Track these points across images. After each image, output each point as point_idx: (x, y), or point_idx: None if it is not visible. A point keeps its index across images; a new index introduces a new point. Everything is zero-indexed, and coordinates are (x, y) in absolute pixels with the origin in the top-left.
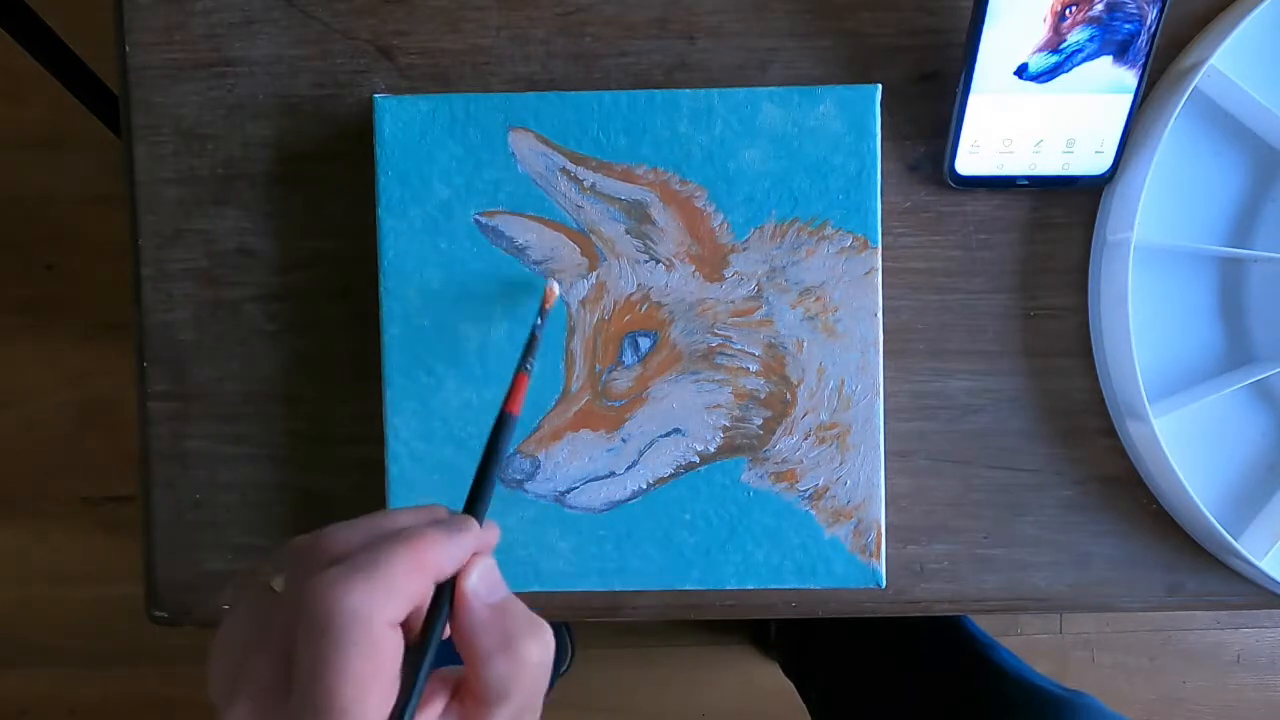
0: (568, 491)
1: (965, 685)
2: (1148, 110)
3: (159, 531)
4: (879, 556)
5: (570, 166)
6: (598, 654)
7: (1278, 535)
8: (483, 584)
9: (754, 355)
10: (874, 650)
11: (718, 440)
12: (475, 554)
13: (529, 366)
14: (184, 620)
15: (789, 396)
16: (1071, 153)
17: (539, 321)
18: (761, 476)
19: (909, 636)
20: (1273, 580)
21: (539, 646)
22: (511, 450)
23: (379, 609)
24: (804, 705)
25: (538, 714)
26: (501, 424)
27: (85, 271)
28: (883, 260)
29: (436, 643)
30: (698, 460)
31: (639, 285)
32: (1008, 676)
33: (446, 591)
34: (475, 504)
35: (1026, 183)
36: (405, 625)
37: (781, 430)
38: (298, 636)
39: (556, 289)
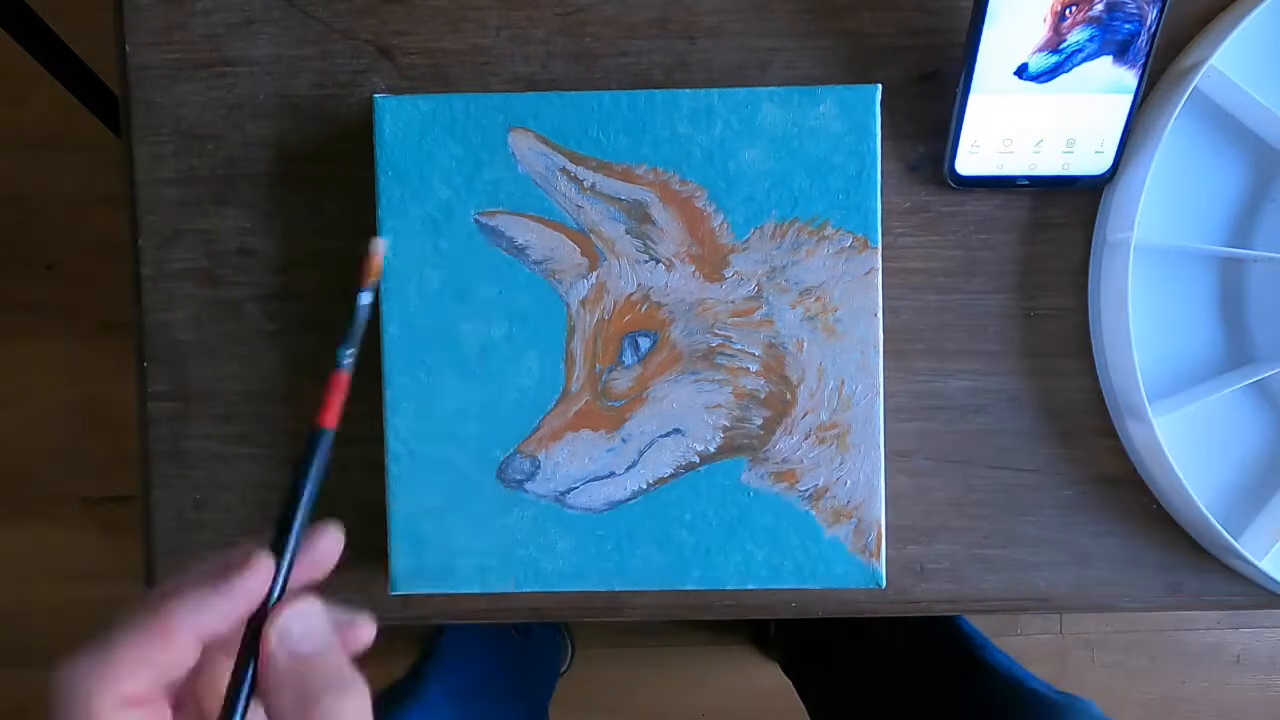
0: (568, 491)
1: (960, 687)
2: (1148, 110)
3: (159, 531)
4: (879, 556)
5: (570, 166)
6: (598, 654)
7: (1278, 535)
8: (294, 628)
9: (754, 355)
10: (871, 650)
11: (718, 440)
12: (287, 603)
13: (346, 363)
14: None
15: (789, 396)
16: (1071, 153)
17: (362, 299)
18: (762, 476)
19: (906, 637)
20: (1273, 580)
21: (345, 705)
22: (512, 450)
23: (101, 687)
24: (803, 705)
25: None
26: (313, 443)
27: (85, 271)
28: (883, 260)
29: (244, 693)
30: (698, 460)
31: (639, 285)
32: (1002, 678)
33: (253, 639)
34: (280, 536)
35: (1026, 183)
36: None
37: (781, 430)
38: None
39: (383, 245)
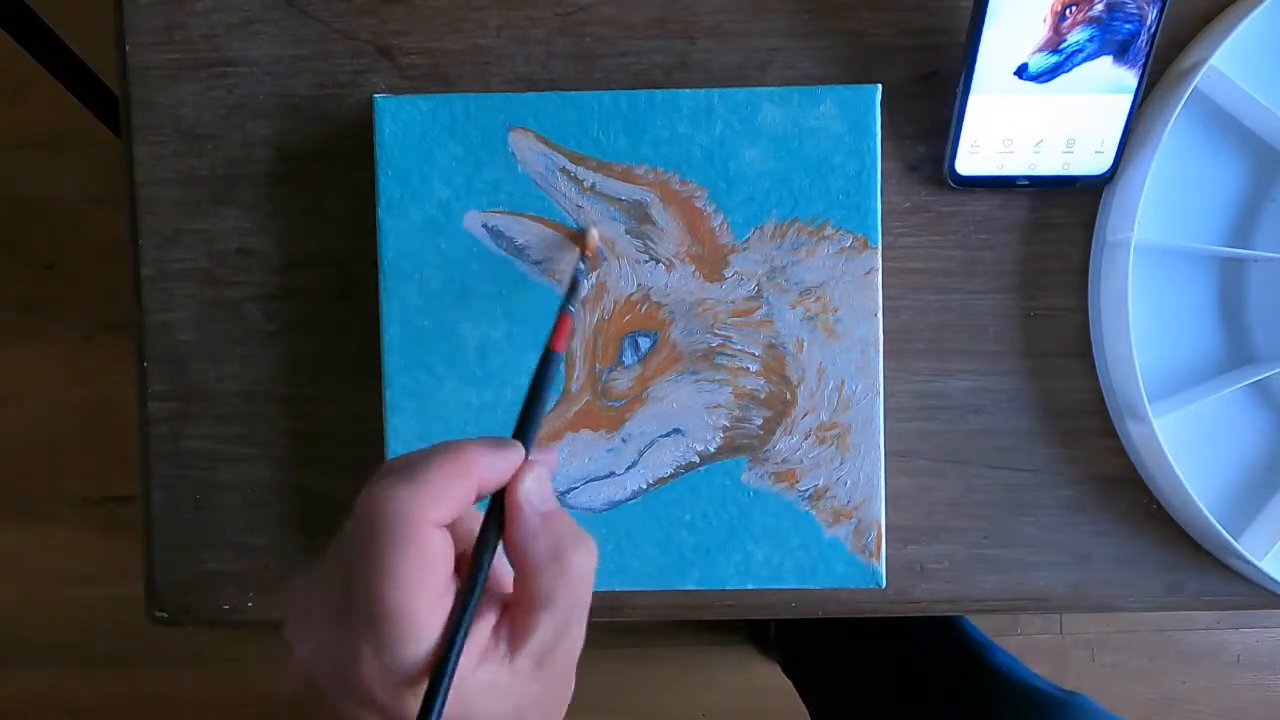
0: (567, 491)
1: (962, 686)
2: (1148, 110)
3: (159, 531)
4: (879, 556)
5: (570, 166)
6: (597, 654)
7: (1278, 535)
8: (535, 492)
9: (754, 355)
10: (872, 650)
11: (718, 440)
12: (530, 464)
13: (572, 309)
14: (184, 620)
15: (789, 396)
16: (1071, 153)
17: (581, 266)
18: (762, 476)
19: (906, 637)
20: (1273, 580)
21: (586, 556)
22: None
23: (421, 509)
24: (804, 705)
25: (583, 628)
26: (546, 362)
27: (85, 271)
28: (883, 260)
29: (493, 549)
30: (698, 460)
31: (639, 285)
32: (1004, 677)
33: (498, 503)
34: (524, 426)
35: (1026, 183)
36: (458, 543)
37: (781, 430)
38: (354, 544)
39: (596, 234)
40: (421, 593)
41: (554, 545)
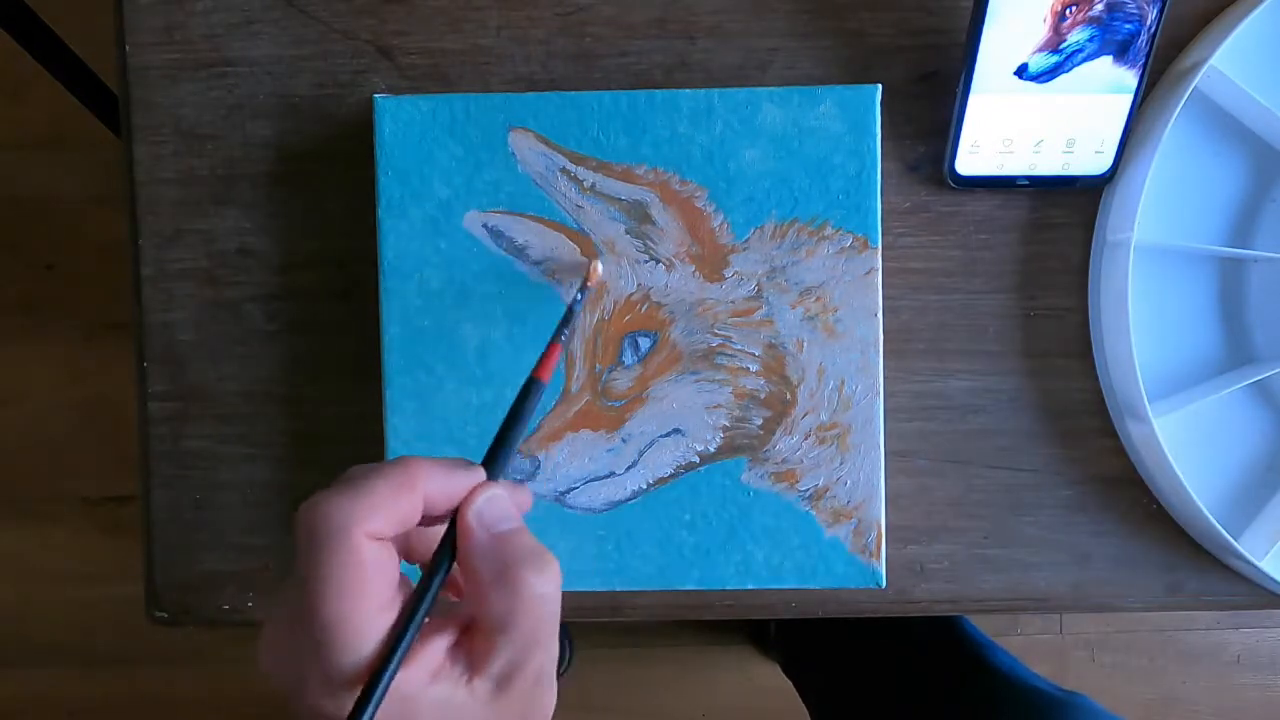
0: (567, 492)
1: (962, 686)
2: (1148, 110)
3: (159, 531)
4: (879, 557)
5: (570, 166)
6: (597, 654)
7: (1278, 535)
8: (487, 511)
9: (754, 355)
10: (872, 650)
11: (718, 440)
12: (485, 485)
13: (563, 338)
14: (184, 620)
15: (789, 396)
16: (1071, 153)
17: (579, 297)
18: (762, 476)
19: (906, 637)
20: (1273, 580)
21: (540, 578)
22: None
23: (355, 519)
24: (804, 706)
25: (550, 650)
26: (528, 390)
27: (85, 271)
28: (883, 260)
29: (446, 567)
30: (698, 460)
31: (639, 285)
32: (1005, 677)
33: (454, 521)
34: (490, 459)
35: (1026, 183)
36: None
37: (781, 430)
38: (299, 556)
39: (599, 268)
40: (359, 603)
41: (503, 565)
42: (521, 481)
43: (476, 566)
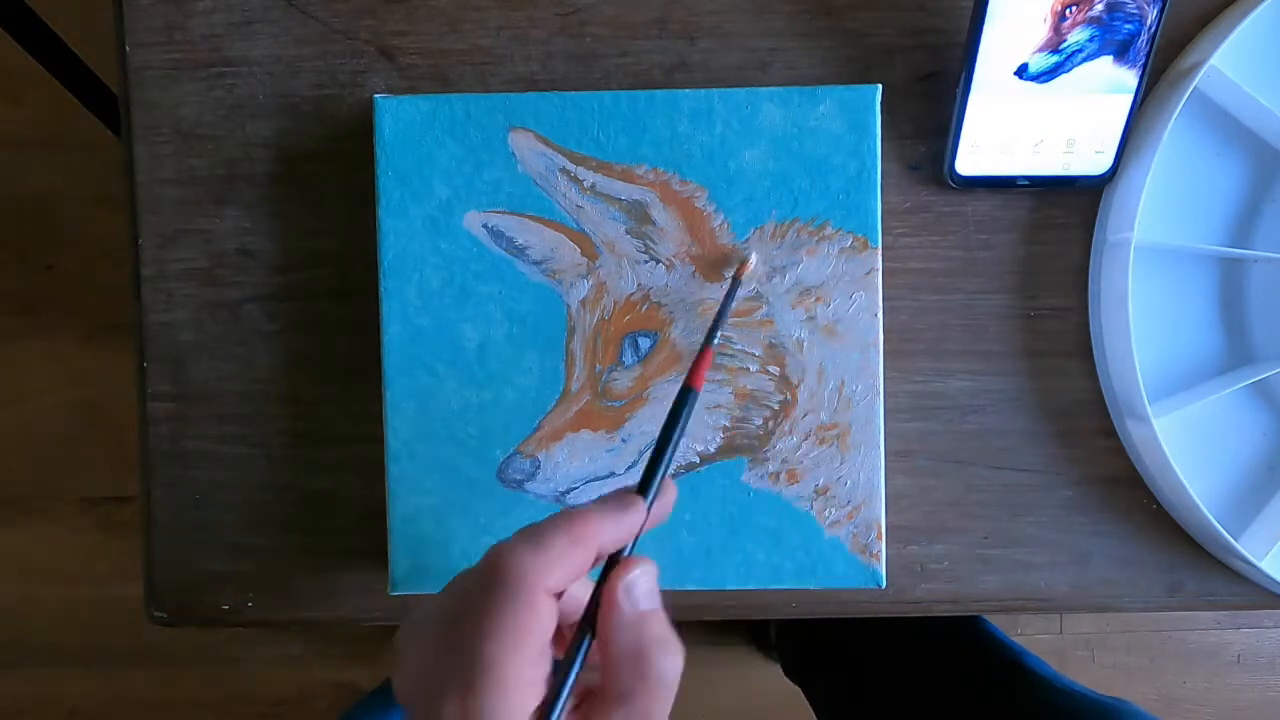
0: (568, 492)
1: (999, 690)
2: (1148, 110)
3: (159, 531)
4: (879, 557)
5: (570, 166)
6: None
7: (1278, 535)
8: (637, 585)
9: (754, 355)
10: (891, 652)
11: (718, 440)
12: (638, 560)
13: (715, 342)
14: (184, 620)
15: (789, 396)
16: (1071, 153)
17: (732, 295)
18: (762, 477)
19: (926, 637)
20: (1273, 580)
21: (669, 662)
22: (512, 450)
23: (539, 573)
24: (809, 706)
25: None
26: (682, 400)
27: (85, 271)
28: (883, 260)
29: (588, 638)
30: (698, 460)
31: (639, 285)
32: (1046, 681)
33: (600, 589)
34: (646, 483)
35: (1026, 183)
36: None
37: (781, 430)
38: (467, 596)
39: (754, 260)
40: (519, 652)
41: (639, 644)
42: (669, 485)
43: (613, 638)
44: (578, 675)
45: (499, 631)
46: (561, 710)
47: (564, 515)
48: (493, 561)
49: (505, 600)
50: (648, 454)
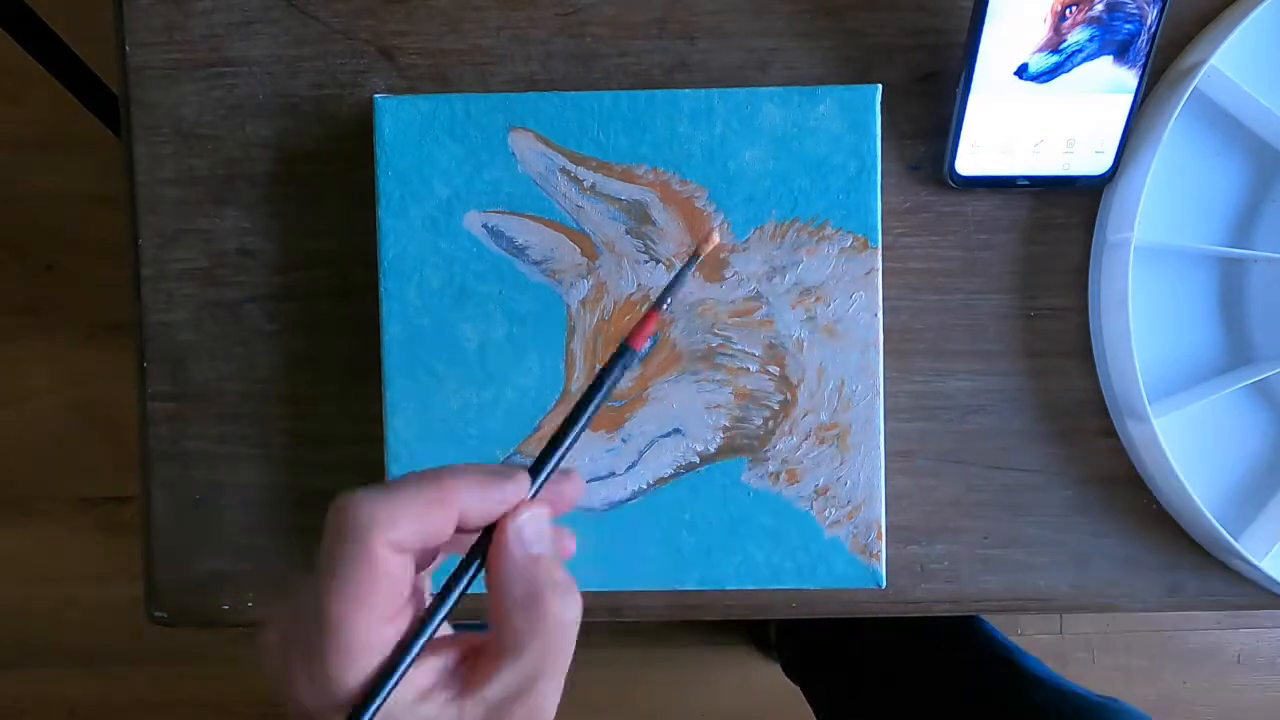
0: None
1: (995, 689)
2: (1148, 110)
3: (159, 531)
4: (879, 557)
5: (570, 166)
6: (598, 654)
7: (1278, 535)
8: (529, 529)
9: (754, 355)
10: (890, 652)
11: (718, 440)
12: (530, 502)
13: (665, 306)
14: (184, 620)
15: (789, 396)
16: (1071, 153)
17: (690, 264)
18: (762, 477)
19: (925, 637)
20: (1273, 580)
21: (565, 605)
22: (512, 450)
23: (379, 526)
24: (809, 706)
25: (557, 684)
26: (618, 356)
27: (85, 271)
28: (883, 260)
29: (467, 581)
30: (698, 460)
31: (639, 285)
32: (1040, 681)
33: (488, 535)
34: (542, 461)
35: (1026, 183)
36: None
37: (781, 430)
38: (318, 555)
39: (716, 236)
40: (364, 613)
41: (533, 589)
42: (571, 475)
43: (505, 585)
44: (438, 626)
45: (340, 589)
46: (412, 658)
47: (432, 471)
48: (334, 514)
49: (343, 556)
50: (647, 454)
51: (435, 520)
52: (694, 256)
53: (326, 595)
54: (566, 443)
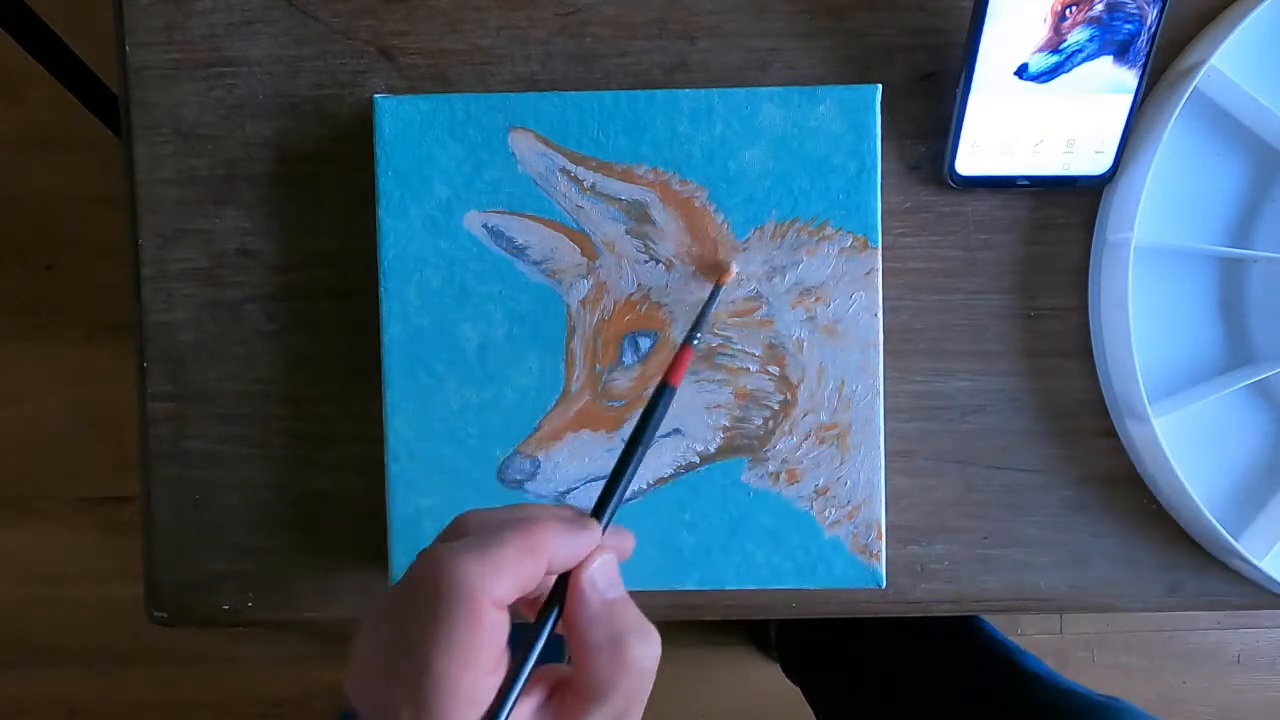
0: (568, 492)
1: (995, 688)
2: (1148, 110)
3: (159, 531)
4: (879, 557)
5: (570, 166)
6: None
7: (1278, 535)
8: (600, 577)
9: (754, 355)
10: (890, 652)
11: (718, 440)
12: (599, 549)
13: (695, 340)
14: (184, 620)
15: (789, 396)
16: (1071, 153)
17: (713, 298)
18: (762, 477)
19: (925, 637)
20: (1273, 580)
21: (646, 649)
22: (512, 450)
23: (486, 584)
24: (809, 706)
25: (638, 718)
26: (655, 401)
27: (85, 271)
28: (883, 260)
29: (548, 628)
30: (698, 460)
31: (639, 285)
32: (1040, 680)
33: (563, 582)
34: (602, 506)
35: (1026, 183)
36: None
37: (781, 430)
38: (412, 603)
39: (735, 269)
40: (472, 667)
41: (614, 633)
42: (626, 530)
43: (586, 631)
44: (530, 672)
45: (448, 646)
46: (511, 707)
47: (517, 526)
48: (437, 572)
49: (453, 616)
50: (647, 454)
51: (529, 572)
52: (716, 287)
53: (435, 652)
54: (622, 486)
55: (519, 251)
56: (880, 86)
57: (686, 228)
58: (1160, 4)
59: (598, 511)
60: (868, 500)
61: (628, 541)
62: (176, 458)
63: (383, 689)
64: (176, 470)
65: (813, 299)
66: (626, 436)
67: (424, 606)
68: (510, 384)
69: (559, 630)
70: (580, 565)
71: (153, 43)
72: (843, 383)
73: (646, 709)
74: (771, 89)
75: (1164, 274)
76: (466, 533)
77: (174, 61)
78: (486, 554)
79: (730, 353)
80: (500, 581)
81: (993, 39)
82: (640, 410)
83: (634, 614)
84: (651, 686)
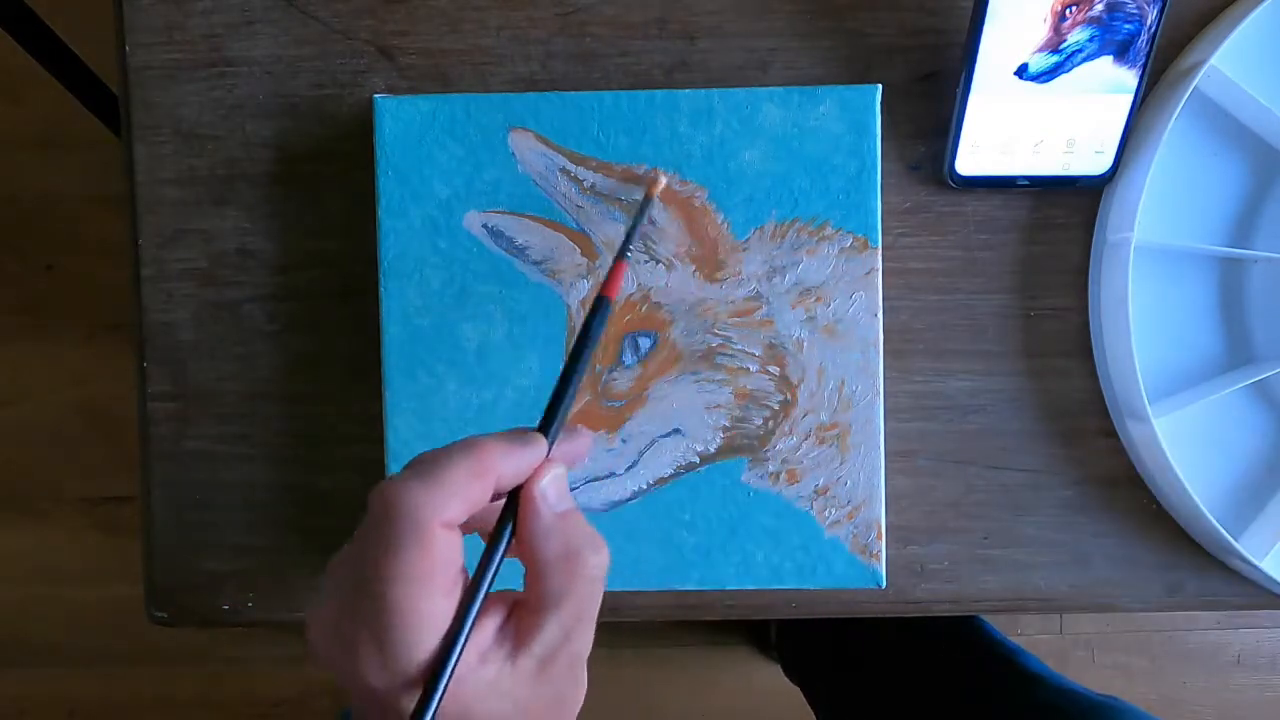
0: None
1: (994, 688)
2: (1148, 110)
3: (159, 531)
4: (879, 557)
5: (570, 166)
6: (598, 654)
7: (1278, 535)
8: (551, 490)
9: (754, 355)
10: (889, 652)
11: (718, 440)
12: (549, 463)
13: (628, 255)
14: (184, 620)
15: (789, 396)
16: (1071, 153)
17: (641, 212)
18: (762, 477)
19: (924, 637)
20: (1273, 581)
21: (598, 558)
22: None
23: (433, 510)
24: (809, 706)
25: (590, 630)
26: (595, 315)
27: (85, 271)
28: (883, 260)
29: (504, 545)
30: (698, 460)
31: (639, 285)
32: (1040, 680)
33: (514, 499)
34: (549, 421)
35: (1026, 183)
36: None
37: (781, 430)
38: (365, 540)
39: (663, 180)
40: (426, 592)
41: (567, 545)
42: (579, 432)
43: (539, 545)
44: (486, 592)
45: (401, 574)
46: (469, 629)
47: (462, 446)
48: (384, 502)
49: (403, 544)
50: (647, 454)
51: (477, 493)
52: (646, 199)
53: (388, 580)
54: (567, 400)
55: (519, 251)
56: (880, 86)
57: (686, 228)
58: (1160, 4)
59: (544, 427)
60: (868, 500)
61: (580, 445)
62: (176, 458)
63: (346, 628)
64: (176, 470)
65: (813, 299)
66: (627, 436)
67: (375, 539)
68: (510, 384)
69: (511, 553)
70: (530, 479)
71: (153, 43)
72: (843, 383)
73: (646, 708)
74: (771, 89)
75: (1164, 274)
76: (413, 466)
77: (174, 61)
78: (431, 478)
79: (730, 353)
80: (448, 504)
81: (993, 39)
82: (643, 411)
83: (584, 525)
84: (600, 595)
